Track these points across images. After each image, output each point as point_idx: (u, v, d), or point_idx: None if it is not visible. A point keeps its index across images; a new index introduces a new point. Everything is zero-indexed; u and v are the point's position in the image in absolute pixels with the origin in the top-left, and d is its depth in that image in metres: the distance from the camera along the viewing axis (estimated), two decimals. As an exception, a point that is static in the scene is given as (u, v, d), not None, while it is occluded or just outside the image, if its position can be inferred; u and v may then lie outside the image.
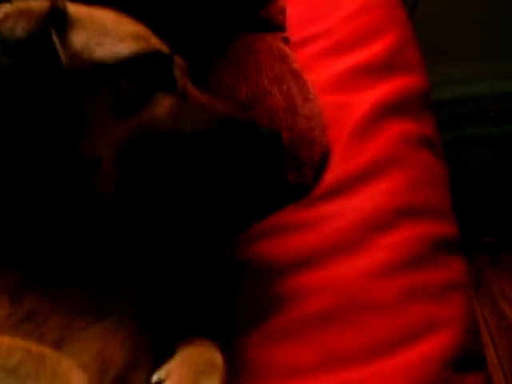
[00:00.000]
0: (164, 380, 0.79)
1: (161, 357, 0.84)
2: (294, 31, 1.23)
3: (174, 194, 0.81)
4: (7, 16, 0.79)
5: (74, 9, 0.84)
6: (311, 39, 1.23)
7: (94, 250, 0.84)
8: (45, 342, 0.74)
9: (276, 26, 1.18)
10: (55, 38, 0.79)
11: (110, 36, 0.82)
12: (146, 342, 0.83)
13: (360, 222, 0.99)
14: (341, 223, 0.99)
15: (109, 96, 0.80)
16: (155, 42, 0.85)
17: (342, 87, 1.15)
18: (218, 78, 1.08)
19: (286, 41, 1.18)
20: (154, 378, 0.79)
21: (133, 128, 0.80)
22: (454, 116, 2.08)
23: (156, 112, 0.82)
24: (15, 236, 0.81)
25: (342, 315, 0.90)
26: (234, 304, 0.93)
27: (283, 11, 1.20)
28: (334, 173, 1.04)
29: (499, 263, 1.99)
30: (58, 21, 0.81)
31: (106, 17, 0.85)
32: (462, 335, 0.92)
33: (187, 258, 0.96)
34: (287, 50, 1.15)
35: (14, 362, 0.65)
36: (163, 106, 0.83)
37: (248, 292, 0.93)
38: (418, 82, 1.22)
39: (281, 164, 0.86)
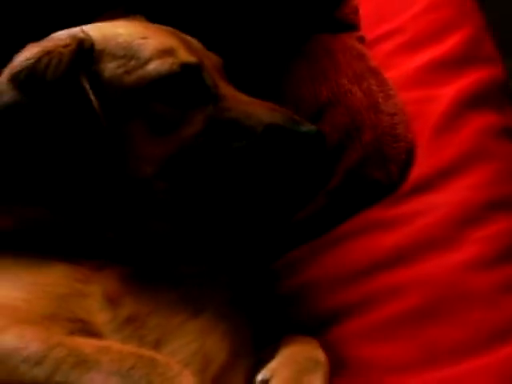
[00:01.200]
0: (269, 379, 0.79)
1: (259, 351, 0.85)
2: (366, 30, 1.23)
3: (221, 196, 0.83)
4: (39, 58, 0.81)
5: (99, 35, 0.86)
6: (385, 37, 1.22)
7: (183, 249, 0.86)
8: (145, 343, 0.76)
9: (351, 25, 1.18)
10: (84, 81, 0.81)
11: (135, 59, 0.83)
12: (244, 336, 0.84)
13: (450, 216, 0.98)
14: (431, 219, 0.98)
15: (145, 120, 0.82)
16: (182, 54, 0.85)
17: (421, 83, 1.14)
18: (298, 78, 1.09)
19: (362, 40, 1.18)
20: (259, 377, 0.80)
21: (173, 146, 0.82)
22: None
23: (193, 128, 0.83)
24: (107, 242, 0.84)
25: (441, 309, 0.90)
26: (332, 300, 0.93)
27: (356, 11, 1.20)
28: (420, 168, 1.03)
29: None
30: (86, 57, 0.83)
31: (130, 34, 0.86)
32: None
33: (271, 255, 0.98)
34: (364, 48, 1.15)
35: (127, 367, 0.67)
36: (199, 120, 0.83)
37: (344, 289, 0.94)
38: (496, 74, 1.21)
39: (323, 163, 0.86)
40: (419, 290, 0.91)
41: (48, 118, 0.79)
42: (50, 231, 0.82)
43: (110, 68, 0.83)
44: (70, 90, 0.81)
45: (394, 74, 1.14)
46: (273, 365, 0.82)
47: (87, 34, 0.85)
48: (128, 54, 0.84)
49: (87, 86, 0.81)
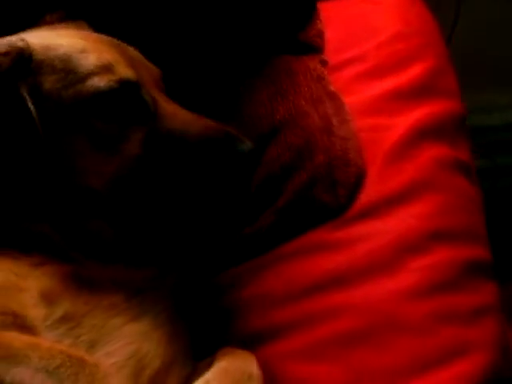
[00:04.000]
0: None
1: (195, 360, 0.86)
2: (331, 55, 1.24)
3: (162, 205, 0.85)
4: None
5: (39, 45, 0.86)
6: (348, 63, 1.24)
7: (126, 252, 0.88)
8: (80, 343, 0.77)
9: (314, 47, 1.20)
10: (24, 91, 0.82)
11: (73, 73, 0.84)
12: (182, 344, 0.85)
13: (392, 243, 1.00)
14: (374, 244, 1.00)
15: (85, 134, 0.83)
16: (121, 69, 0.86)
17: (379, 110, 1.16)
18: (256, 97, 1.10)
19: (324, 63, 1.19)
20: None
21: (115, 161, 0.83)
22: (489, 143, 2.08)
23: (132, 145, 0.84)
24: (49, 238, 0.85)
25: (373, 335, 0.91)
26: (268, 318, 0.95)
27: (321, 34, 1.22)
28: (368, 194, 1.05)
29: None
30: (25, 67, 0.83)
31: (71, 46, 0.86)
32: (493, 358, 0.92)
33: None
34: (325, 72, 1.17)
35: (55, 365, 0.68)
36: (138, 137, 0.85)
37: (281, 307, 0.95)
38: (454, 107, 1.23)
39: (249, 177, 0.88)
40: (353, 314, 0.92)
41: None
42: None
43: (49, 81, 0.84)
44: (9, 99, 0.81)
45: (352, 100, 1.16)
46: (207, 376, 0.82)
47: (27, 43, 0.85)
48: (66, 68, 0.84)
49: (26, 96, 0.82)
